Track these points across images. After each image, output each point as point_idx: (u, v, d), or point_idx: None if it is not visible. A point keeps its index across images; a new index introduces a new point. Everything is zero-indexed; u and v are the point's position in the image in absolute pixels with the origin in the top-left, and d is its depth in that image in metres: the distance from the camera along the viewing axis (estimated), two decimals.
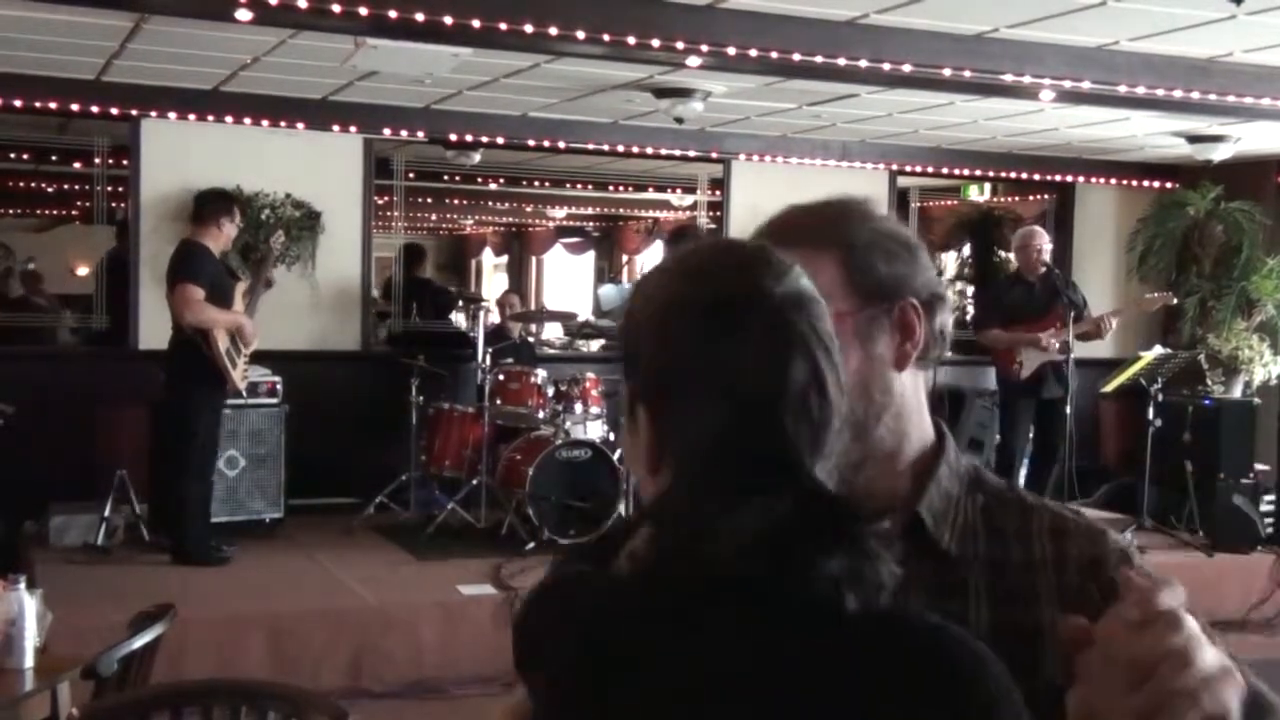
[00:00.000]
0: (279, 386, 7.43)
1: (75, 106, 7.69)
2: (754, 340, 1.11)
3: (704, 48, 5.79)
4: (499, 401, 7.52)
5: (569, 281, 17.28)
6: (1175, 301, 9.04)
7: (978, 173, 10.35)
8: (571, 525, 7.12)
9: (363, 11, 5.18)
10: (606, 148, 9.29)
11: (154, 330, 7.36)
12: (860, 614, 1.05)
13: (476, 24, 5.41)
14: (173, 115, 7.89)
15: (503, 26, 5.44)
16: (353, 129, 8.36)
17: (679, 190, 12.63)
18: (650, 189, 13.39)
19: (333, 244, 8.39)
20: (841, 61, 5.95)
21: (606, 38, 5.64)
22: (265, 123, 8.13)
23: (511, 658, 1.18)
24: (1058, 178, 10.32)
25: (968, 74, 6.19)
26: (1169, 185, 10.33)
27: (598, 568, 1.16)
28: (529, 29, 5.45)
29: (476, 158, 10.15)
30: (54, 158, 10.55)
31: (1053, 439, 7.70)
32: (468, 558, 6.77)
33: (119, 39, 6.46)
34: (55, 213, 12.32)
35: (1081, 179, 10.39)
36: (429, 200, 13.99)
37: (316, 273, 8.34)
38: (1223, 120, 8.12)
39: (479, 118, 8.57)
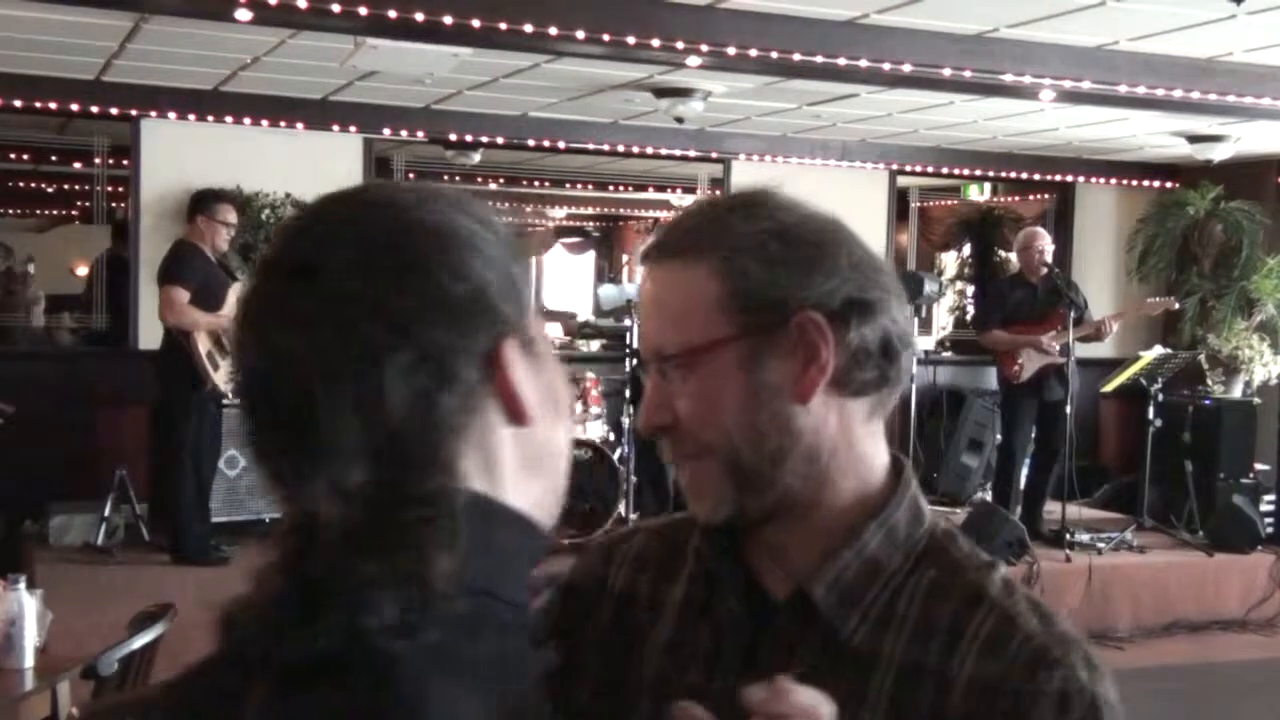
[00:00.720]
0: None
1: (75, 106, 7.69)
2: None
3: (704, 48, 5.78)
4: None
5: (569, 281, 17.28)
6: (1178, 306, 9.04)
7: (978, 173, 10.34)
8: (571, 525, 7.11)
9: (362, 11, 5.18)
10: (606, 147, 9.28)
11: (154, 330, 7.34)
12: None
13: (476, 24, 5.40)
14: (172, 115, 7.89)
15: (503, 26, 5.44)
16: (352, 129, 8.35)
17: (679, 190, 12.64)
18: (650, 189, 13.39)
19: None
20: (841, 61, 5.95)
21: (606, 38, 5.64)
22: (265, 123, 8.13)
23: None
24: (1058, 178, 10.32)
25: (968, 74, 6.19)
26: (1169, 185, 10.32)
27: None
28: (529, 29, 5.45)
29: (476, 158, 10.15)
30: (54, 158, 10.56)
31: (1053, 440, 7.70)
32: None
33: (119, 39, 6.46)
34: (55, 213, 12.32)
35: (1081, 179, 10.39)
36: None
37: None
38: (1223, 120, 8.11)
39: (479, 117, 8.57)
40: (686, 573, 1.23)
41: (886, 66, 6.06)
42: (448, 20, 5.34)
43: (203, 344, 6.40)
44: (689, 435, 1.13)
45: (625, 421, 7.46)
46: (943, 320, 12.60)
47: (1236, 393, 9.30)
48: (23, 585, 3.40)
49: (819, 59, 5.92)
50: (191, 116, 7.94)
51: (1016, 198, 11.81)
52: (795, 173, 9.52)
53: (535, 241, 14.53)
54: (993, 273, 11.31)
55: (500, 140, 8.86)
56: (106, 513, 6.81)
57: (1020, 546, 7.12)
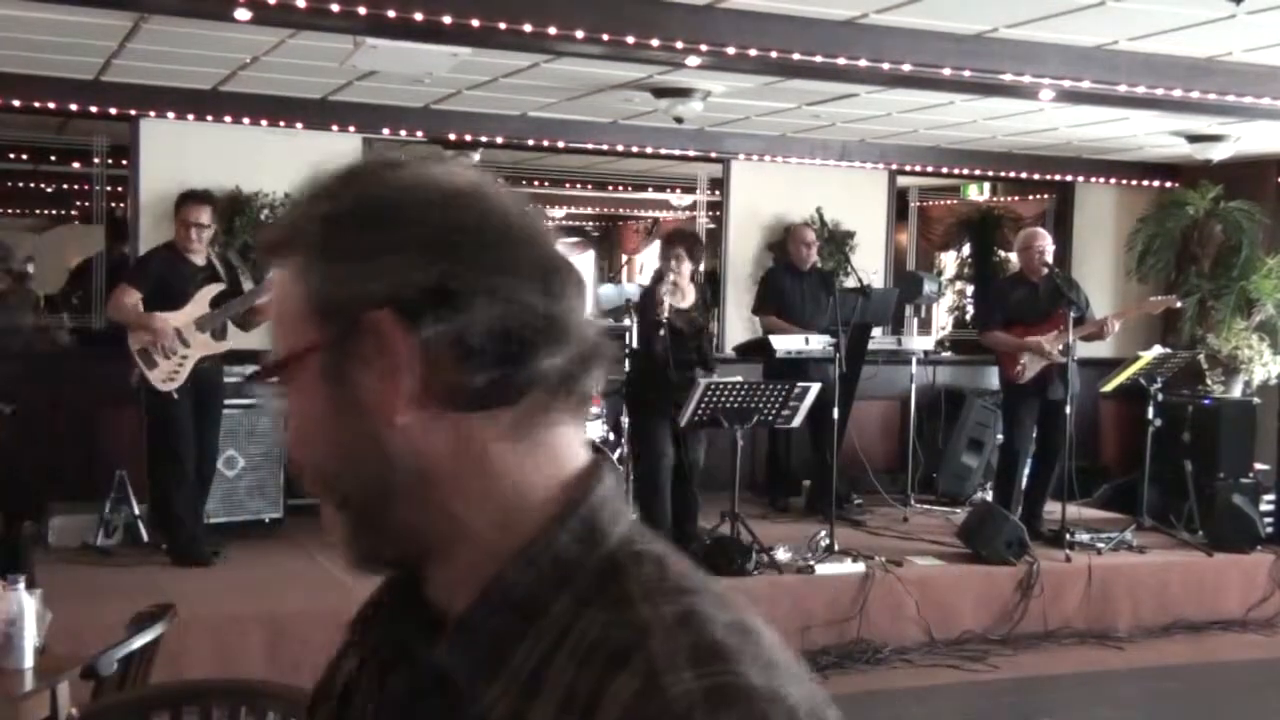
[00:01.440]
0: None
1: (74, 106, 7.69)
2: None
3: (704, 47, 5.78)
4: None
5: None
6: (1180, 305, 9.04)
7: (977, 172, 10.35)
8: None
9: (361, 11, 5.18)
10: (606, 147, 9.29)
11: None
12: None
13: (475, 24, 5.40)
14: (171, 115, 7.88)
15: (502, 26, 5.43)
16: (352, 129, 8.35)
17: (678, 190, 12.64)
18: (650, 189, 13.39)
19: None
20: (841, 61, 5.94)
21: (606, 37, 5.64)
22: (264, 122, 8.13)
23: None
24: (1057, 177, 10.32)
25: (967, 74, 6.19)
26: (1169, 185, 10.33)
27: None
28: (528, 29, 5.45)
29: (476, 157, 10.14)
30: (53, 157, 10.56)
31: (1054, 440, 7.70)
32: None
33: (118, 39, 6.45)
34: (54, 213, 12.32)
35: (1081, 179, 10.39)
36: None
37: None
38: (1222, 120, 8.11)
39: (478, 117, 8.57)
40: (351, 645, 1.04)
41: (886, 66, 6.06)
42: (447, 20, 5.34)
43: (134, 341, 6.40)
44: (301, 465, 0.97)
45: (624, 421, 7.46)
46: (942, 320, 12.60)
47: (1236, 393, 9.31)
48: (23, 585, 3.40)
49: (819, 59, 5.92)
50: (191, 116, 7.94)
51: (1016, 197, 11.81)
52: (795, 172, 9.53)
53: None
54: (992, 273, 11.31)
55: (500, 140, 8.86)
56: (106, 513, 6.80)
57: (1020, 546, 7.12)
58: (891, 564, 6.87)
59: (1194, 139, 8.73)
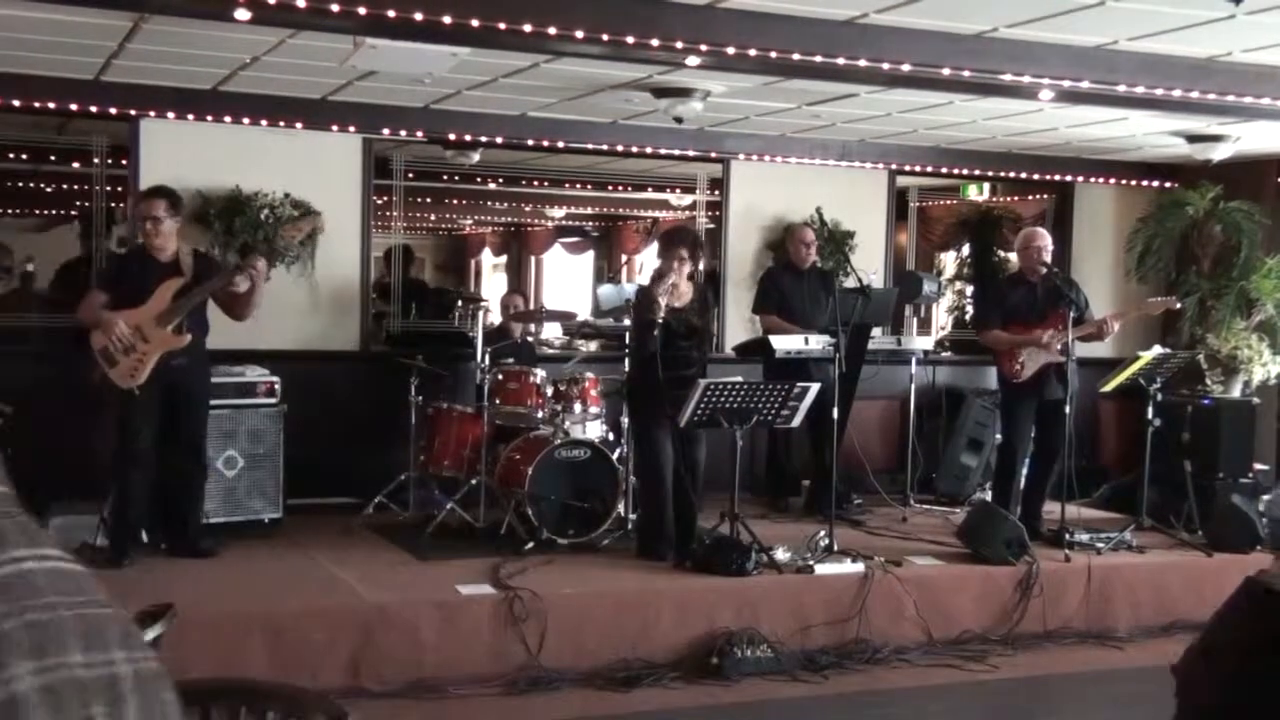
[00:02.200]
0: (277, 386, 7.43)
1: (74, 106, 7.69)
2: None
3: (703, 47, 5.78)
4: (498, 401, 7.52)
5: (568, 281, 17.28)
6: (1179, 305, 9.04)
7: (977, 172, 10.35)
8: (570, 525, 7.12)
9: (361, 11, 5.18)
10: (606, 147, 9.29)
11: None
12: None
13: (475, 24, 5.40)
14: (171, 115, 7.89)
15: (502, 26, 5.44)
16: (352, 129, 8.35)
17: (678, 190, 12.62)
18: (649, 189, 13.38)
19: (332, 244, 8.39)
20: (841, 61, 5.95)
21: (605, 37, 5.64)
22: (264, 122, 8.13)
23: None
24: (1057, 177, 10.33)
25: (967, 74, 6.19)
26: (1168, 185, 10.33)
27: None
28: (528, 29, 5.45)
29: (475, 157, 10.15)
30: (53, 157, 10.55)
31: (1053, 440, 7.70)
32: (467, 557, 6.76)
33: (118, 39, 6.46)
34: (54, 213, 12.31)
35: (1081, 179, 10.40)
36: (428, 200, 13.98)
37: (315, 273, 8.34)
38: (1222, 120, 8.12)
39: (478, 117, 8.57)
40: None
41: (886, 66, 6.07)
42: (447, 20, 5.34)
43: (96, 341, 6.40)
44: None
45: (624, 421, 7.46)
46: (942, 320, 12.60)
47: (1235, 393, 9.31)
48: None
49: (819, 59, 5.92)
50: (190, 116, 7.94)
51: (1016, 197, 11.81)
52: (794, 172, 9.53)
53: None
54: (992, 272, 11.31)
55: (499, 140, 8.87)
56: (106, 513, 6.80)
57: (1020, 546, 7.12)
58: (891, 564, 6.87)
59: (1194, 139, 8.74)
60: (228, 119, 8.01)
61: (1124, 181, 10.42)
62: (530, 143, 8.97)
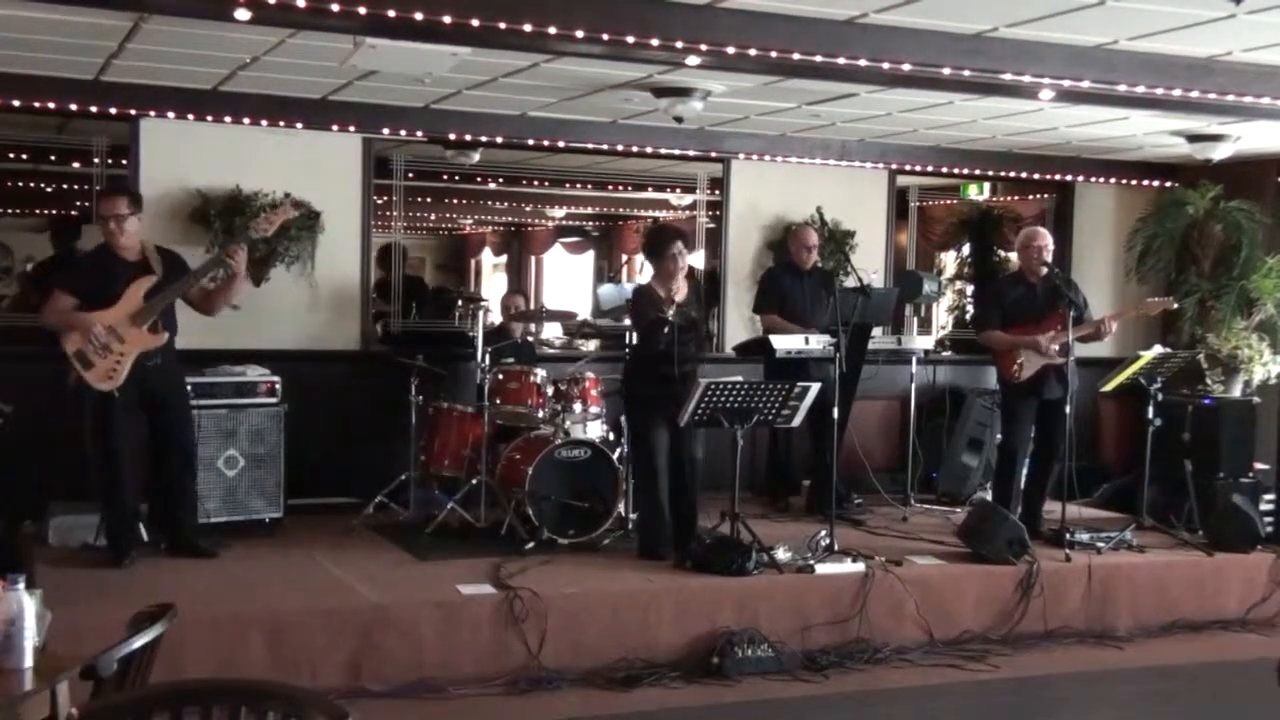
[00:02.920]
0: (278, 386, 7.43)
1: (74, 106, 7.68)
2: None
3: (703, 47, 5.78)
4: (498, 401, 7.52)
5: (568, 281, 17.29)
6: (1177, 306, 9.04)
7: (977, 172, 10.35)
8: (571, 525, 7.12)
9: (361, 11, 5.18)
10: (606, 147, 9.29)
11: None
12: None
13: (475, 23, 5.40)
14: (171, 115, 7.88)
15: (502, 26, 5.43)
16: (352, 128, 8.35)
17: (678, 190, 12.62)
18: (650, 189, 13.38)
19: (332, 244, 8.39)
20: (841, 61, 5.94)
21: (605, 37, 5.64)
22: (264, 122, 8.13)
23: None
24: (1057, 177, 10.33)
25: (967, 73, 6.19)
26: (1168, 184, 10.33)
27: None
28: (528, 28, 5.45)
29: (476, 157, 10.16)
30: (53, 157, 10.55)
31: (1053, 440, 7.70)
32: (467, 557, 6.76)
33: (118, 39, 6.45)
34: (54, 213, 12.30)
35: (1081, 178, 10.40)
36: (428, 200, 13.99)
37: (315, 272, 8.34)
38: (1222, 119, 8.12)
39: (478, 117, 8.57)
40: None
41: (886, 66, 6.06)
42: (447, 20, 5.33)
43: (69, 345, 6.32)
44: None
45: (624, 421, 7.46)
46: (942, 320, 12.60)
47: (1236, 392, 9.31)
48: (22, 585, 3.40)
49: (819, 59, 5.92)
50: (191, 116, 7.94)
51: (1016, 197, 11.81)
52: (794, 172, 9.53)
53: None
54: (992, 272, 11.30)
55: (499, 140, 8.86)
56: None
57: (1020, 546, 7.12)
58: (891, 564, 6.87)
59: (1194, 139, 8.74)
60: (228, 119, 8.01)
61: (1124, 181, 10.42)
62: (530, 142, 8.97)
